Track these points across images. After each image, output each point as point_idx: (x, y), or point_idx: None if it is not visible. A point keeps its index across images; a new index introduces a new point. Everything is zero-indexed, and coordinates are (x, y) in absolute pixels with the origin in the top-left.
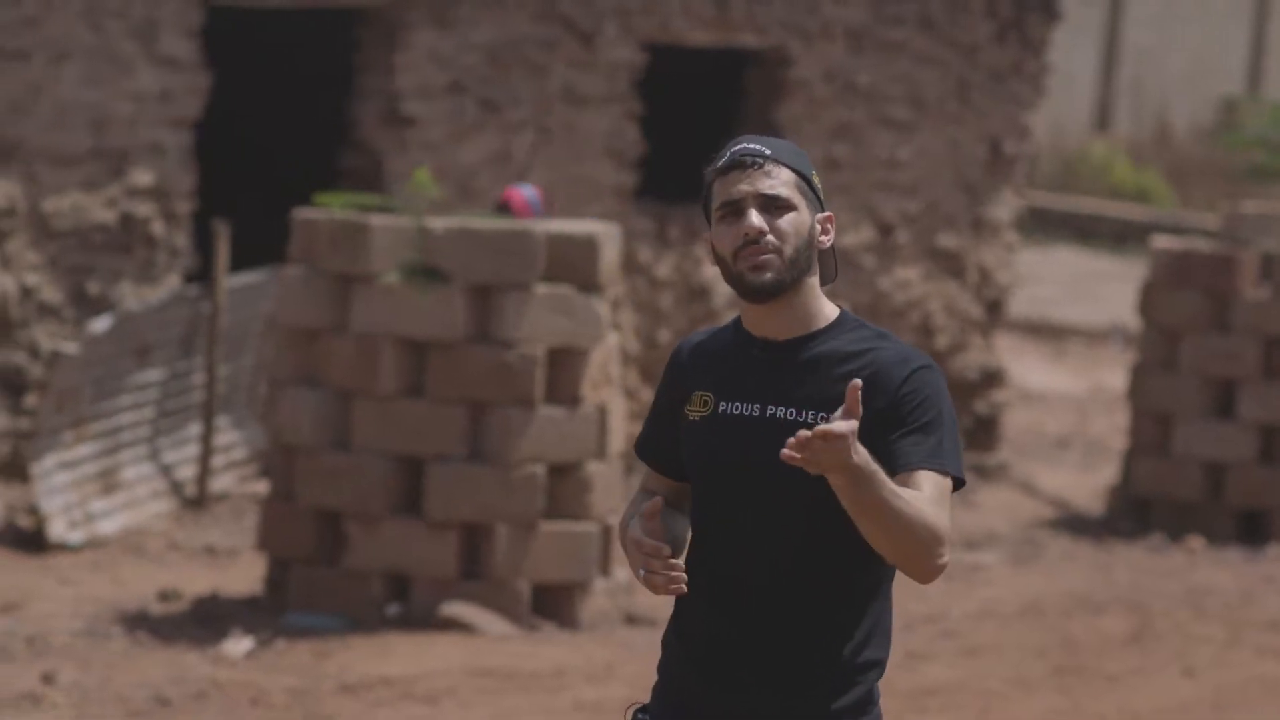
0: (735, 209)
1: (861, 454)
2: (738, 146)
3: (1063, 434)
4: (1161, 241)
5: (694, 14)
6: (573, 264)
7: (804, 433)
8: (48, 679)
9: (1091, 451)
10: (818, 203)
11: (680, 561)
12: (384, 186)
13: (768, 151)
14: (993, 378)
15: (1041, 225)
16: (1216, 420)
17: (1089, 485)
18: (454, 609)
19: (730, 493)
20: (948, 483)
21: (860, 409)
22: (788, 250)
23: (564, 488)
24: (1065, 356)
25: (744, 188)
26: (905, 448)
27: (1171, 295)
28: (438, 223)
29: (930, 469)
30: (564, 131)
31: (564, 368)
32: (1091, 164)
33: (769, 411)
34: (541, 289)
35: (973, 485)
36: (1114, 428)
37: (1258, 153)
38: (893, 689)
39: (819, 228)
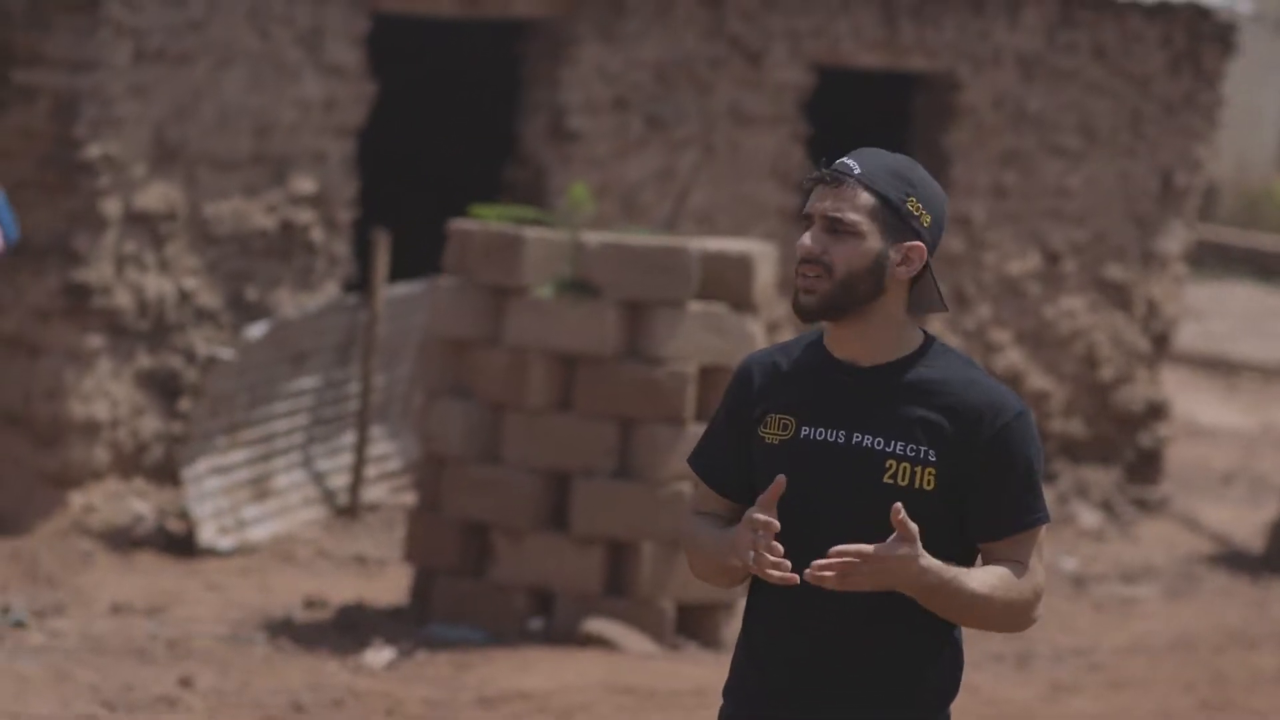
0: (807, 223)
1: (929, 567)
2: (840, 159)
3: (1229, 470)
4: None
5: (864, 36)
6: (727, 283)
7: (841, 549)
8: (185, 683)
9: (1257, 488)
10: (905, 231)
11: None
12: (547, 201)
13: (856, 170)
14: (1157, 411)
15: (1221, 261)
16: None
17: (1252, 521)
18: (597, 625)
19: (808, 518)
20: (1040, 532)
21: (911, 531)
22: (838, 275)
23: None
24: (1237, 393)
25: (817, 204)
26: (993, 514)
27: None
28: (592, 237)
29: (1021, 531)
30: (729, 150)
31: (715, 387)
32: (1275, 201)
33: (854, 439)
34: (694, 307)
35: (1133, 518)
36: None
37: None
38: None
39: (896, 257)
